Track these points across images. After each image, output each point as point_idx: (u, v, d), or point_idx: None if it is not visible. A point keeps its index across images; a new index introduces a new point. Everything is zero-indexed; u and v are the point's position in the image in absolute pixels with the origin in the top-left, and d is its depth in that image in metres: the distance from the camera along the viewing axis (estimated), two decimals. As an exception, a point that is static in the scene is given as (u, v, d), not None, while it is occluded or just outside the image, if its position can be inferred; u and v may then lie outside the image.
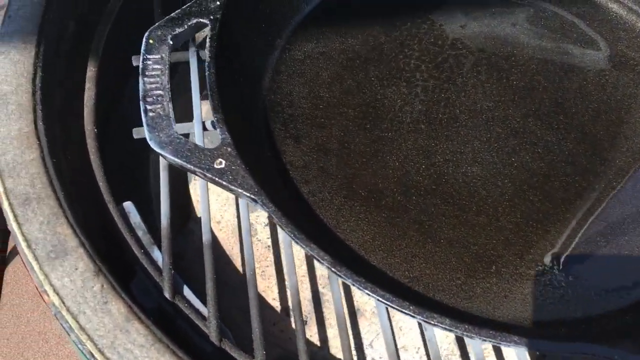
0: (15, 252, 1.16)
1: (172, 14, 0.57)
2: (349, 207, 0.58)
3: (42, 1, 0.64)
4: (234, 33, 0.60)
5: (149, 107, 0.50)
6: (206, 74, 0.53)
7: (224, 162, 0.48)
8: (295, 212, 0.57)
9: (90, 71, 0.67)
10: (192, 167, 0.48)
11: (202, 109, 0.59)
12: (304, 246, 0.45)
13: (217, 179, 0.47)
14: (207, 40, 0.55)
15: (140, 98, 0.51)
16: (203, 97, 0.61)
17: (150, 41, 0.55)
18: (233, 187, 0.47)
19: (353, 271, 0.47)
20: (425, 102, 0.65)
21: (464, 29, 0.71)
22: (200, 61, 0.60)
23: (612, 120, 0.64)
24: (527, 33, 0.71)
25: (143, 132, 0.62)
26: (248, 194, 0.47)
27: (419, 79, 0.67)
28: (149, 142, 0.49)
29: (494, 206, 0.58)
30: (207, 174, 0.48)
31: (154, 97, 0.51)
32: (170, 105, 0.51)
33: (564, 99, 0.66)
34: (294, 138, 0.62)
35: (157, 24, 0.56)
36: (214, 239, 0.62)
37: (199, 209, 0.66)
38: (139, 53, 0.55)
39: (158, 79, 0.52)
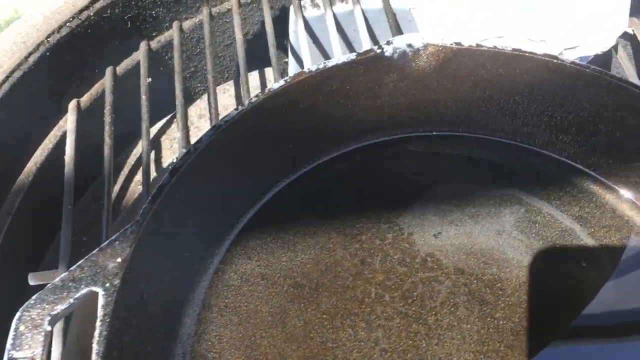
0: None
1: (55, 281, 0.44)
2: None
3: None
4: (142, 290, 0.47)
5: None
6: (89, 385, 0.40)
7: None
8: None
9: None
10: None
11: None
12: None
13: None
14: (98, 323, 0.42)
15: None
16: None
17: (22, 327, 0.42)
18: None
19: None
20: (388, 352, 0.52)
21: (438, 239, 0.58)
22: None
23: (620, 384, 0.51)
24: (517, 245, 0.58)
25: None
26: None
27: (381, 316, 0.54)
28: None
29: None
30: None
31: None
32: None
33: (560, 347, 0.53)
34: (220, 413, 0.49)
35: (34, 297, 0.43)
36: None
37: None
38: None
39: (24, 396, 0.39)
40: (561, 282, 0.56)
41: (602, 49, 0.64)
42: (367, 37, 0.74)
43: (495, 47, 0.58)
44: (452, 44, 0.58)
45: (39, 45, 0.62)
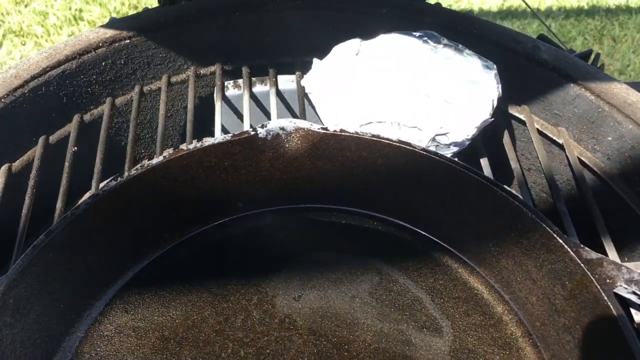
0: None
1: None
2: None
3: None
4: (8, 327, 0.54)
5: None
6: None
7: None
8: None
9: None
10: None
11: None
12: None
13: None
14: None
15: None
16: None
17: None
18: None
19: None
20: (232, 404, 0.58)
21: (298, 302, 0.64)
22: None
23: None
24: (368, 310, 0.64)
25: None
26: None
27: (232, 370, 0.60)
28: None
29: None
30: None
31: None
32: None
33: (391, 408, 0.58)
34: None
35: None
36: None
37: None
38: None
39: None
40: (403, 348, 0.61)
41: (466, 136, 0.71)
42: (275, 114, 0.82)
43: (356, 132, 0.66)
44: (318, 129, 0.66)
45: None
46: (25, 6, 2.08)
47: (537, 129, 0.83)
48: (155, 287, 0.65)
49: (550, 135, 0.83)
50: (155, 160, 0.63)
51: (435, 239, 0.69)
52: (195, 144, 0.64)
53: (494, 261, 0.65)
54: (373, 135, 0.65)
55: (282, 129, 0.66)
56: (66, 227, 0.58)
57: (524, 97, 0.84)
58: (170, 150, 0.98)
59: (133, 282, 0.65)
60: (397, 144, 0.65)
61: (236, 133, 0.65)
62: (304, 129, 0.66)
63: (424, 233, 0.69)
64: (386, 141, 0.65)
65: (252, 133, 0.65)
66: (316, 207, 0.71)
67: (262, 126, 0.66)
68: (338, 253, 0.68)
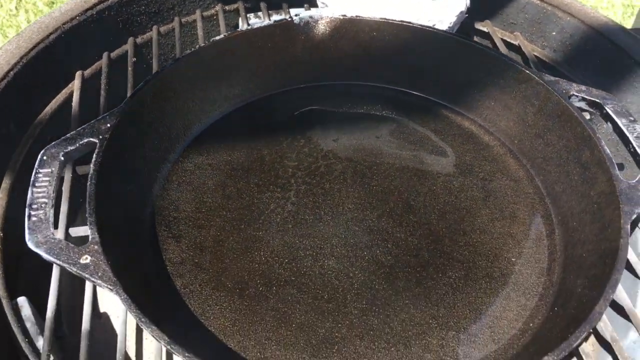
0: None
1: (67, 134, 0.67)
2: (215, 297, 0.66)
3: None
4: (125, 149, 0.70)
5: (32, 213, 0.60)
6: (87, 184, 0.62)
7: (89, 257, 0.56)
8: (166, 303, 0.65)
9: (5, 183, 0.77)
10: (60, 262, 0.56)
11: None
12: (144, 325, 0.53)
13: (80, 272, 0.56)
14: (94, 155, 0.66)
15: (27, 206, 0.60)
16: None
17: (44, 157, 0.65)
18: (93, 279, 0.55)
19: (207, 353, 0.54)
20: (296, 204, 0.75)
21: (336, 142, 0.83)
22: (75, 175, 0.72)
23: (454, 219, 0.74)
24: (389, 144, 0.83)
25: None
26: (106, 285, 0.55)
27: (292, 184, 0.77)
28: (27, 243, 0.57)
29: (343, 294, 0.66)
30: (73, 268, 0.56)
31: (39, 204, 0.60)
32: (52, 211, 0.60)
33: (415, 201, 0.76)
34: (175, 238, 0.71)
35: (53, 143, 0.66)
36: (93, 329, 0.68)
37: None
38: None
39: (45, 189, 0.62)
40: (419, 165, 0.80)
41: (448, 24, 0.92)
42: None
43: (368, 17, 0.86)
44: (339, 16, 0.86)
45: (57, 29, 0.89)
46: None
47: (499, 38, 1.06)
48: (222, 137, 0.82)
49: (509, 40, 1.06)
50: (217, 37, 0.81)
51: (433, 98, 0.89)
52: (247, 27, 0.83)
53: (479, 105, 0.86)
54: (381, 18, 0.86)
55: (311, 17, 0.86)
56: (157, 81, 0.75)
57: (485, 14, 1.07)
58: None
59: (205, 133, 0.82)
60: (400, 22, 0.85)
61: (277, 20, 0.85)
62: (328, 16, 0.86)
63: (424, 95, 0.89)
64: (391, 21, 0.86)
65: (289, 19, 0.85)
66: (340, 83, 0.90)
67: (296, 15, 0.86)
68: (361, 111, 0.87)
